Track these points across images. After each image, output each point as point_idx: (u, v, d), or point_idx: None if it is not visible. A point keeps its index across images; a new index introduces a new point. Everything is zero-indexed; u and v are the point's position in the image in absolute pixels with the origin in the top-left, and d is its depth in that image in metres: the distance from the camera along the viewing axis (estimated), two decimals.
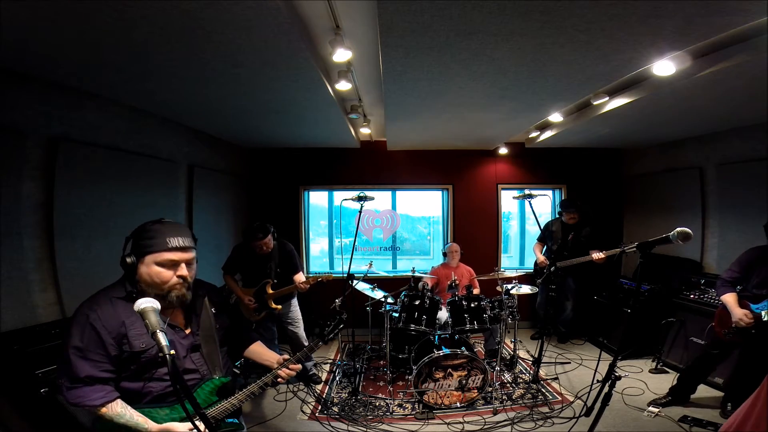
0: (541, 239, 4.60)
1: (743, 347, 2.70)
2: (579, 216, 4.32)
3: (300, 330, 3.54)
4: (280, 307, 3.37)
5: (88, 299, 1.31)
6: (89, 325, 1.23)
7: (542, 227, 4.45)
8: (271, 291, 3.33)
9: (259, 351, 1.67)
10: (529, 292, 3.62)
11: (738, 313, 2.61)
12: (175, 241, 1.32)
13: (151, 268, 1.30)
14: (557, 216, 4.58)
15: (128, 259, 1.30)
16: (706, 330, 3.27)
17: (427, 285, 3.70)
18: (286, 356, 1.62)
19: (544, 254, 4.55)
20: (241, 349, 1.67)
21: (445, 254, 4.33)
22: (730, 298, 2.71)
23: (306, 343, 3.56)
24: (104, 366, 1.24)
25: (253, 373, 2.86)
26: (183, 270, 1.35)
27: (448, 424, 2.87)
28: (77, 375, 1.20)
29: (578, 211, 4.31)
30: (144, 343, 1.28)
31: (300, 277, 3.36)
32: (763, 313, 2.51)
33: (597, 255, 3.85)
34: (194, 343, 1.42)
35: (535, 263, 4.65)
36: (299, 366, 1.59)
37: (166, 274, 1.32)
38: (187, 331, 1.42)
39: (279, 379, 1.54)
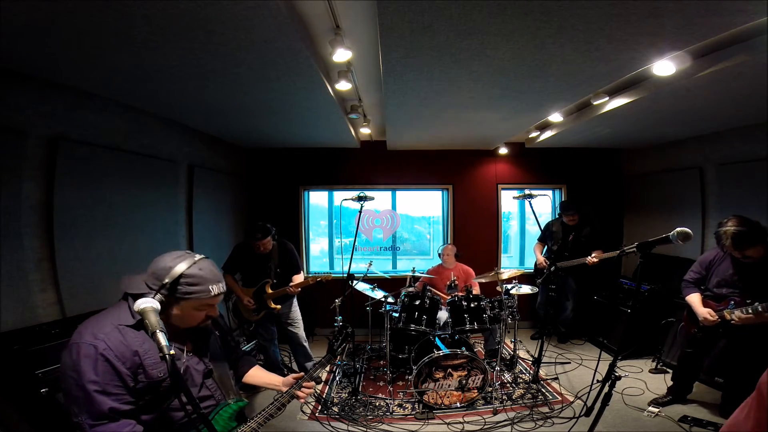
0: (542, 239, 4.61)
1: (728, 344, 2.75)
2: (579, 217, 4.33)
3: (300, 330, 3.54)
4: (279, 307, 3.37)
5: (86, 329, 1.18)
6: (101, 357, 1.12)
7: (543, 227, 4.48)
8: (270, 291, 3.34)
9: (261, 375, 1.63)
10: (529, 292, 3.62)
11: (702, 312, 2.67)
12: (218, 288, 1.30)
13: (186, 312, 1.27)
14: (557, 216, 4.58)
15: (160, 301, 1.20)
16: (678, 330, 3.31)
17: (414, 285, 3.75)
18: (295, 374, 1.56)
19: (544, 254, 4.56)
20: (240, 374, 1.62)
21: (440, 255, 4.33)
22: (694, 299, 2.78)
23: (305, 344, 3.57)
24: (125, 398, 1.16)
25: None
26: (215, 311, 1.35)
27: (448, 424, 2.87)
28: (102, 410, 1.10)
29: (578, 212, 4.32)
30: (162, 372, 1.22)
31: (296, 279, 3.37)
32: (725, 312, 2.56)
33: (590, 259, 3.94)
34: (207, 368, 1.38)
35: (536, 264, 4.65)
36: (314, 384, 1.54)
37: (199, 317, 1.31)
38: (197, 357, 1.38)
39: (300, 399, 1.50)
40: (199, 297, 1.26)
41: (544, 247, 4.63)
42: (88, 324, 1.21)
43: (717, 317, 2.59)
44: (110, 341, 1.16)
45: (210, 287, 1.28)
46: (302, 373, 1.55)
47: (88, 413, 1.10)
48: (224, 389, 1.40)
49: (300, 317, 3.59)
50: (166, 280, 1.21)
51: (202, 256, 1.33)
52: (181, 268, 1.24)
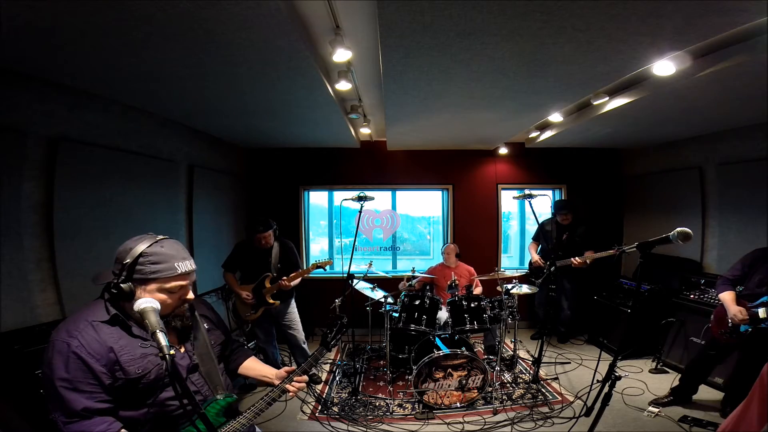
0: (536, 239, 4.66)
1: (742, 350, 2.70)
2: (572, 216, 4.36)
3: (298, 333, 3.54)
4: (278, 302, 3.35)
5: (62, 326, 1.17)
6: (73, 354, 1.10)
7: (537, 227, 4.50)
8: (269, 285, 3.33)
9: (256, 367, 1.60)
10: (529, 292, 3.61)
11: (733, 309, 2.63)
12: (184, 266, 1.25)
13: (155, 296, 1.19)
14: (551, 215, 4.57)
15: (125, 286, 1.17)
16: (703, 330, 3.29)
17: (412, 284, 3.74)
18: (288, 368, 1.53)
19: (538, 253, 4.58)
20: (235, 366, 1.59)
21: (443, 254, 4.35)
22: (727, 296, 2.74)
23: (304, 345, 3.57)
24: (99, 396, 1.12)
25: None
26: (190, 294, 1.30)
27: (448, 424, 2.87)
28: (73, 409, 1.08)
29: (571, 211, 4.36)
30: (140, 368, 1.18)
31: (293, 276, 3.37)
32: (760, 310, 2.51)
33: (574, 260, 3.97)
34: (192, 363, 1.34)
35: (530, 263, 4.66)
36: (306, 378, 1.51)
37: (171, 301, 1.25)
38: (182, 350, 1.34)
39: (289, 394, 1.47)
40: (165, 275, 1.21)
41: (538, 246, 4.66)
42: (66, 321, 1.20)
43: (747, 315, 2.56)
44: (83, 338, 1.13)
45: (175, 264, 1.22)
46: (294, 367, 1.53)
47: (60, 410, 1.09)
48: (211, 384, 1.36)
49: (298, 319, 3.58)
50: (127, 260, 1.18)
51: (167, 237, 1.30)
52: (141, 247, 1.21)
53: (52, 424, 1.10)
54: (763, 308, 2.50)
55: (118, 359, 1.16)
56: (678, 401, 3.00)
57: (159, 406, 1.23)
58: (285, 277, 3.27)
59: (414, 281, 3.92)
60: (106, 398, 1.14)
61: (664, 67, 2.18)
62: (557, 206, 4.44)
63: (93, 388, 1.12)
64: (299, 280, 3.39)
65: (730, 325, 2.67)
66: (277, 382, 1.50)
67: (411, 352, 3.41)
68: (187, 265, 1.27)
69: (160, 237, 1.28)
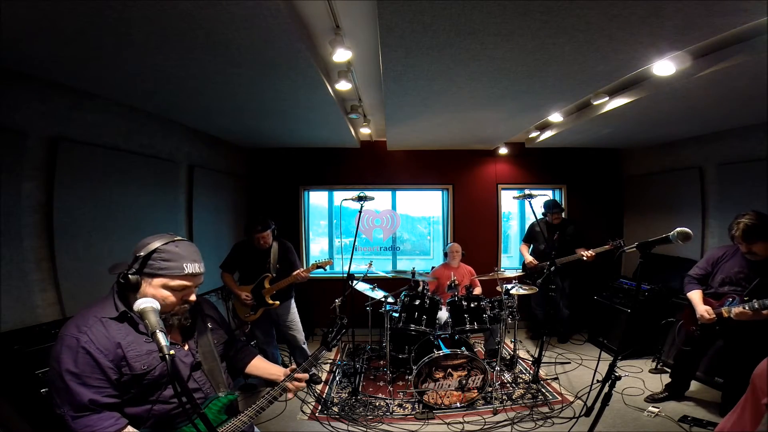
0: (527, 240, 4.70)
1: (725, 344, 2.76)
2: (562, 216, 4.43)
3: (298, 334, 3.54)
4: (277, 303, 3.34)
5: (71, 322, 1.20)
6: (82, 349, 1.12)
7: (527, 228, 4.62)
8: (268, 285, 3.33)
9: (262, 366, 1.62)
10: (523, 292, 3.57)
11: (700, 309, 2.67)
12: (192, 268, 1.28)
13: (159, 291, 1.24)
14: (542, 216, 4.54)
15: (132, 278, 1.21)
16: (676, 328, 3.33)
17: (428, 287, 3.74)
18: (291, 367, 1.56)
19: (530, 254, 4.59)
20: (242, 365, 1.62)
21: (446, 254, 4.34)
22: (695, 296, 2.78)
23: (304, 346, 3.57)
24: (107, 391, 1.14)
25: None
26: (192, 296, 1.33)
27: (448, 424, 2.87)
28: (81, 401, 1.10)
29: (561, 211, 4.43)
30: (146, 365, 1.21)
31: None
32: (723, 309, 2.57)
33: (587, 253, 3.95)
34: (195, 361, 1.36)
35: (523, 264, 4.65)
36: (306, 375, 1.54)
37: (174, 299, 1.27)
38: (186, 348, 1.37)
39: (289, 393, 1.49)
40: (172, 273, 1.24)
41: (529, 247, 4.67)
42: (75, 317, 1.23)
43: (714, 315, 2.60)
44: (92, 334, 1.16)
45: (184, 264, 1.26)
46: (294, 366, 1.55)
47: (69, 404, 1.11)
48: (214, 382, 1.38)
49: (298, 320, 3.58)
50: (141, 253, 1.23)
51: (184, 239, 1.33)
52: (156, 243, 1.25)
53: (60, 419, 1.11)
54: (726, 308, 2.56)
55: (125, 355, 1.19)
56: (672, 396, 3.06)
57: (162, 403, 1.24)
58: (303, 270, 3.23)
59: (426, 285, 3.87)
60: (113, 393, 1.16)
61: (664, 67, 2.18)
62: (551, 205, 4.47)
63: (100, 383, 1.14)
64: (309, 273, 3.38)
65: (698, 322, 2.73)
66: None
67: (411, 352, 3.41)
68: (195, 267, 1.30)
69: (178, 238, 1.31)
